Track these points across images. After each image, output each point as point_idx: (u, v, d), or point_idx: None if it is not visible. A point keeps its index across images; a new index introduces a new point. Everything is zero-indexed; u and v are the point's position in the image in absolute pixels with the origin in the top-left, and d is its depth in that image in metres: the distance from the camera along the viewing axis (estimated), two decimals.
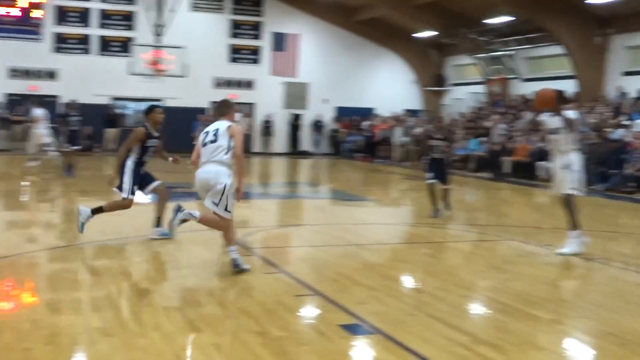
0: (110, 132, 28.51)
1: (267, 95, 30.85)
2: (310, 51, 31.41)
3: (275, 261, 7.86)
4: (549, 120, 8.22)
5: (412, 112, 31.77)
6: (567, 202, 8.34)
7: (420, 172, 22.81)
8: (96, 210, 8.60)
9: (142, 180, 8.76)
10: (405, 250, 8.95)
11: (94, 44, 28.63)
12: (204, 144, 6.96)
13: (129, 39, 28.24)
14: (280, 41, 30.78)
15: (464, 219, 12.61)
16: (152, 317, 5.36)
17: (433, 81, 32.77)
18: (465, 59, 29.76)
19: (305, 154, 30.94)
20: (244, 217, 11.64)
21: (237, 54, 30.63)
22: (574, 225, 8.29)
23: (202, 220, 6.94)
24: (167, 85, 28.11)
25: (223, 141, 6.87)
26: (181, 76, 26.17)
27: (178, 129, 29.33)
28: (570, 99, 8.85)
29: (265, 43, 30.78)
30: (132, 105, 30.25)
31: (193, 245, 8.54)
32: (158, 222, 8.82)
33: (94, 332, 4.99)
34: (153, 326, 5.14)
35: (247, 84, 30.78)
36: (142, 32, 28.01)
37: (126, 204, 8.64)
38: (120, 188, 8.62)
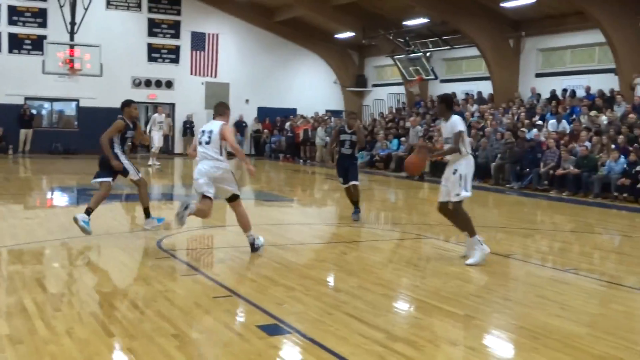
0: (24, 133, 27.70)
1: (188, 95, 30.54)
2: (230, 51, 31.27)
3: (194, 263, 7.79)
4: (443, 127, 8.24)
5: (333, 113, 32.00)
6: (455, 210, 8.12)
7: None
8: (88, 211, 9.05)
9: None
10: (325, 249, 9.00)
11: (4, 42, 27.68)
12: (200, 142, 8.14)
13: (41, 37, 27.41)
14: (199, 40, 30.53)
15: (384, 219, 12.78)
16: (64, 323, 5.22)
17: (354, 82, 33.11)
18: (385, 60, 30.19)
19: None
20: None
21: (156, 53, 30.19)
22: (470, 233, 8.05)
23: (197, 212, 7.99)
24: (83, 85, 27.50)
25: (216, 143, 8.05)
26: (97, 75, 25.55)
27: (95, 130, 28.70)
28: (454, 104, 8.73)
29: (184, 42, 30.45)
30: (47, 105, 29.45)
31: (111, 248, 8.37)
32: (147, 214, 9.64)
33: (1, 339, 4.82)
34: (65, 332, 5.00)
35: (167, 84, 30.39)
36: (55, 30, 27.23)
37: (142, 182, 9.55)
38: (124, 173, 9.41)
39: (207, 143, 8.07)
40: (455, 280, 7.18)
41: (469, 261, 7.96)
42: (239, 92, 31.47)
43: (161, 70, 30.28)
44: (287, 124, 30.24)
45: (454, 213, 8.16)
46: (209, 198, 8.11)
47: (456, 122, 8.10)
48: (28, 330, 5.05)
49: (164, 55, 30.34)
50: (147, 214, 9.63)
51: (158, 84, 30.26)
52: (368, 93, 33.01)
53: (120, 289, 6.44)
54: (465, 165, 8.09)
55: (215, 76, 30.90)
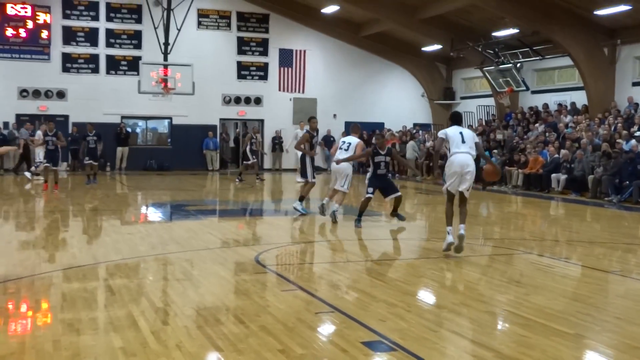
0: (121, 151, 28.64)
1: (276, 111, 30.97)
2: (317, 66, 31.55)
3: (292, 278, 7.85)
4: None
5: (421, 126, 31.78)
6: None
7: (433, 185, 22.96)
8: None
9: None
10: (423, 265, 8.91)
11: (102, 63, 28.81)
12: (340, 148, 12.96)
13: (136, 58, 28.39)
14: (287, 57, 30.96)
15: (478, 233, 12.57)
16: (173, 337, 5.35)
17: (442, 94, 32.82)
18: (474, 72, 29.81)
19: (317, 169, 30.95)
20: (257, 234, 11.64)
21: (245, 71, 30.76)
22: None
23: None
24: (175, 103, 28.23)
25: (351, 150, 12.80)
26: (189, 94, 26.29)
27: (187, 147, 29.57)
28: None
29: (272, 59, 30.91)
30: (141, 123, 30.39)
31: (211, 263, 8.54)
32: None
33: (116, 352, 4.98)
34: (175, 345, 5.13)
35: (256, 100, 30.89)
36: (149, 51, 28.20)
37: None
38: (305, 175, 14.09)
39: (346, 150, 12.90)
40: (559, 297, 6.99)
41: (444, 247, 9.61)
42: (327, 107, 31.68)
43: (250, 87, 30.82)
44: (374, 139, 30.19)
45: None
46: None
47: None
48: (140, 343, 5.19)
49: (253, 73, 30.88)
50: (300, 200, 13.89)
51: (247, 100, 30.81)
52: (456, 105, 32.61)
53: (223, 304, 6.55)
54: (447, 165, 9.84)
55: (303, 92, 31.25)
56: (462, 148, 9.71)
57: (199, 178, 26.00)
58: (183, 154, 29.50)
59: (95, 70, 28.73)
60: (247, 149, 23.89)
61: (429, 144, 27.40)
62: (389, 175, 13.01)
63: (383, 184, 12.49)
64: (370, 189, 12.36)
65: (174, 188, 21.43)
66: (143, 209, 16.15)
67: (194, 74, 25.83)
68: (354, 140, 13.07)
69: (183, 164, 29.23)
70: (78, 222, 13.06)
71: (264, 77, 30.98)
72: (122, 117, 29.10)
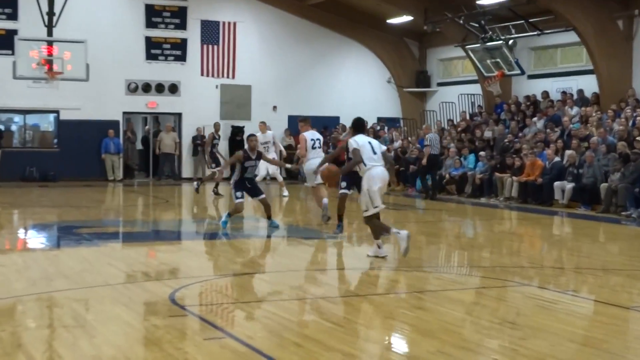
0: None
1: (198, 102, 30.86)
2: (251, 44, 31.60)
3: (219, 323, 7.80)
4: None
5: (388, 121, 32.03)
6: (368, 221, 11.72)
7: (403, 197, 23.11)
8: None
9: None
10: (390, 302, 8.94)
11: None
12: (314, 147, 15.37)
13: (10, 32, 27.90)
14: (211, 32, 30.92)
15: (461, 260, 12.68)
16: None
17: (413, 80, 33.12)
18: (454, 51, 30.16)
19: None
20: (172, 265, 11.57)
21: (156, 49, 30.62)
22: (375, 237, 11.69)
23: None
24: (64, 92, 27.90)
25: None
26: (82, 79, 25.96)
27: (80, 149, 29.23)
28: (364, 127, 12.64)
29: (191, 34, 30.84)
30: (18, 119, 29.97)
31: (107, 304, 8.44)
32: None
33: None
34: None
35: (171, 88, 30.75)
36: (28, 23, 27.73)
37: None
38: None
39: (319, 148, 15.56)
40: (566, 342, 7.08)
41: (369, 252, 11.83)
42: (264, 96, 31.71)
43: (163, 71, 30.67)
44: (328, 137, 30.32)
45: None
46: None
47: (352, 141, 11.67)
48: None
49: (167, 52, 30.75)
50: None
51: (159, 88, 30.64)
52: (432, 94, 32.97)
53: (127, 358, 6.47)
54: (366, 180, 11.45)
55: (233, 77, 31.24)
56: (377, 160, 11.53)
57: (96, 191, 25.73)
58: (74, 159, 29.15)
59: None
60: (210, 152, 23.60)
61: (397, 144, 27.63)
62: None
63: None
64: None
65: (62, 204, 21.11)
66: (20, 233, 15.90)
67: (88, 53, 25.52)
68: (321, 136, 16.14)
69: (74, 172, 28.89)
70: None
71: (182, 58, 30.85)
72: None
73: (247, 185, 15.19)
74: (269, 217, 15.32)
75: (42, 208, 20.24)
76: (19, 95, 28.21)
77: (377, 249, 11.65)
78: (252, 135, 16.09)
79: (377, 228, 11.59)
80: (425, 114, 32.57)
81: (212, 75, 31.00)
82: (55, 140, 30.00)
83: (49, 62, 24.93)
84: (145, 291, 9.31)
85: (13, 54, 26.30)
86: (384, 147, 12.33)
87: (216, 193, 23.24)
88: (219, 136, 24.55)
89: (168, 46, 30.80)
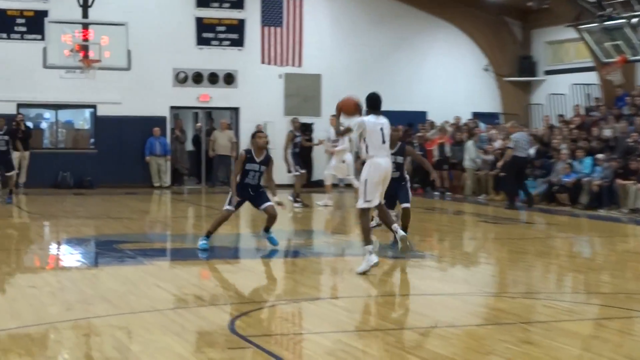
0: (18, 157, 28.47)
1: (258, 94, 31.00)
2: (321, 26, 31.72)
3: (286, 356, 7.86)
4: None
5: (484, 117, 31.76)
6: (359, 215, 12.46)
7: (504, 210, 22.93)
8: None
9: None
10: (491, 335, 8.86)
11: None
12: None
13: (40, 14, 28.41)
14: (273, 11, 31.04)
15: (577, 284, 12.54)
16: None
17: (515, 68, 32.84)
18: (565, 32, 29.85)
19: (320, 185, 30.97)
20: (230, 288, 11.62)
21: (209, 33, 30.89)
22: (365, 241, 12.12)
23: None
24: (102, 84, 28.24)
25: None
26: (123, 68, 26.33)
27: (121, 150, 29.56)
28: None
29: (250, 15, 31.05)
30: (49, 115, 30.43)
31: (155, 332, 8.51)
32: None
33: None
34: None
35: (227, 79, 30.98)
36: (60, 3, 28.21)
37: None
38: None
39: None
40: None
41: (358, 269, 12.03)
42: (335, 87, 31.58)
43: (217, 59, 30.98)
44: (414, 136, 30.25)
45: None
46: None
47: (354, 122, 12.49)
48: None
49: (221, 36, 31.03)
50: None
51: (213, 79, 30.93)
52: (538, 84, 32.67)
53: None
54: (367, 168, 12.06)
55: (300, 65, 31.31)
56: (383, 151, 12.06)
57: (140, 199, 26.06)
58: (114, 163, 29.53)
59: None
60: (290, 153, 23.53)
61: (497, 144, 27.39)
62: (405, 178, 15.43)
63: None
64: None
65: (100, 215, 21.38)
66: (53, 249, 16.16)
67: (130, 38, 25.88)
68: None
69: (114, 178, 29.25)
70: None
71: (239, 43, 31.09)
72: (19, 106, 29.15)
73: (250, 192, 14.76)
74: (266, 230, 15.02)
75: (77, 219, 20.51)
76: (50, 87, 28.73)
77: (369, 261, 11.93)
78: (259, 132, 15.98)
79: (365, 230, 12.19)
80: (530, 108, 32.29)
81: (275, 63, 31.11)
82: (92, 140, 30.45)
83: (84, 49, 25.29)
84: (199, 318, 9.35)
85: (43, 39, 26.78)
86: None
87: (297, 201, 23.04)
88: (298, 135, 24.37)
89: (223, 29, 31.07)
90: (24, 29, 29.05)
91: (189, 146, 32.83)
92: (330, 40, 31.84)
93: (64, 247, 16.21)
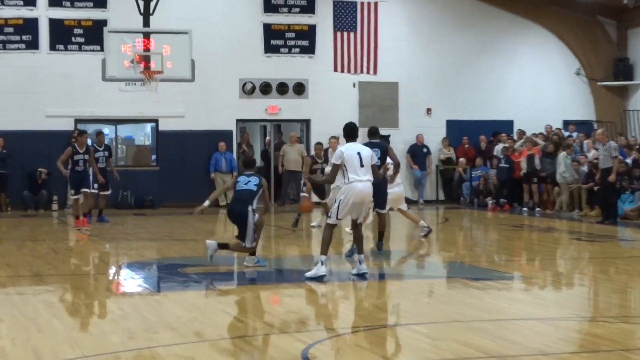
0: None
1: (330, 105, 31.00)
2: (398, 30, 31.71)
3: None
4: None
5: (578, 125, 31.41)
6: (324, 228, 14.47)
7: (599, 226, 22.69)
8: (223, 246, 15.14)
9: None
10: None
11: (43, 33, 29.37)
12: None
13: (99, 23, 28.74)
14: (347, 15, 31.12)
15: None
16: None
17: (610, 71, 32.49)
18: None
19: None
20: (302, 314, 11.64)
21: (278, 39, 31.04)
22: (322, 250, 13.88)
23: None
24: (164, 97, 28.46)
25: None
26: (187, 80, 26.51)
27: (185, 166, 29.77)
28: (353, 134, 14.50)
29: (322, 19, 31.18)
30: (108, 130, 30.75)
31: None
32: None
33: None
34: None
35: (297, 89, 31.06)
36: (119, 12, 28.58)
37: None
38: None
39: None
40: None
41: (307, 274, 13.83)
42: (414, 96, 31.69)
43: (286, 67, 31.12)
44: (499, 148, 30.08)
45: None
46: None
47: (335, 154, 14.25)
48: None
49: (291, 43, 31.14)
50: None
51: (282, 89, 31.04)
52: (636, 89, 32.28)
53: None
54: (344, 191, 13.85)
55: (375, 73, 31.36)
56: (361, 175, 13.61)
57: (204, 219, 26.18)
58: (177, 180, 29.71)
59: (32, 44, 29.28)
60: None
61: (591, 155, 27.11)
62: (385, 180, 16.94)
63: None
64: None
65: (163, 237, 21.58)
66: (114, 274, 16.34)
67: (194, 47, 26.07)
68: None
69: (178, 196, 29.41)
70: (8, 296, 13.26)
71: (309, 50, 31.20)
72: (77, 121, 29.53)
73: None
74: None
75: (139, 242, 20.68)
76: (109, 101, 29.10)
77: (317, 270, 13.63)
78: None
79: (325, 242, 13.92)
80: (628, 115, 31.92)
81: (349, 71, 31.22)
82: (154, 157, 30.72)
83: (146, 59, 25.49)
84: (270, 346, 9.44)
85: (102, 50, 27.06)
86: (376, 160, 14.57)
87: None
88: (320, 161, 24.24)
89: (292, 35, 31.19)
90: (81, 39, 29.48)
91: (257, 161, 32.94)
92: (408, 45, 31.80)
93: (125, 272, 16.35)
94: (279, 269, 16.86)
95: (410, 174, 31.20)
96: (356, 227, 14.22)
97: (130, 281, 15.29)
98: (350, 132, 14.24)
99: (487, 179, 29.93)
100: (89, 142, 23.78)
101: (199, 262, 16.61)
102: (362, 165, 13.51)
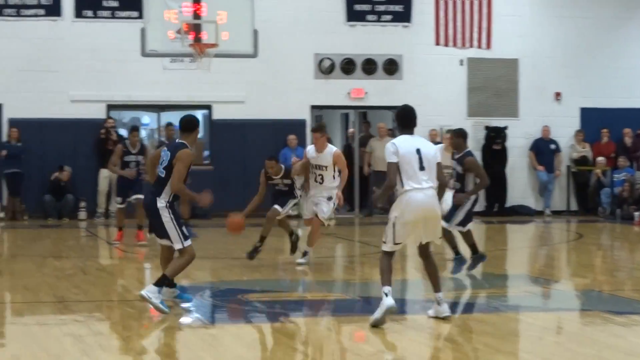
0: (108, 177, 29.09)
1: (430, 88, 31.10)
2: None
3: None
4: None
5: None
6: (380, 257, 13.28)
7: None
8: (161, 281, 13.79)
9: None
10: None
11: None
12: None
13: None
14: None
15: None
16: None
17: None
18: None
19: (514, 213, 30.91)
20: (396, 354, 11.72)
21: (364, 5, 31.12)
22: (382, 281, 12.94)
23: None
24: (219, 76, 28.72)
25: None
26: (247, 55, 26.70)
27: (246, 166, 29.93)
28: None
29: None
30: (149, 119, 31.02)
31: None
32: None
33: None
34: None
35: (387, 67, 31.14)
36: None
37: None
38: None
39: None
40: None
41: (373, 316, 12.67)
42: (539, 78, 31.65)
43: (375, 40, 31.25)
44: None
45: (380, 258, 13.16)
46: None
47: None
48: None
49: (380, 8, 31.25)
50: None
51: (369, 67, 31.14)
52: None
53: None
54: (397, 205, 12.63)
55: (488, 47, 31.31)
56: (421, 181, 12.46)
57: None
58: (236, 182, 29.78)
59: (53, 10, 29.74)
60: None
61: None
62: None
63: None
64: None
65: (217, 254, 21.79)
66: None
67: (256, 14, 26.28)
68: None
69: (236, 202, 29.22)
70: (26, 327, 13.51)
71: (404, 17, 31.28)
72: (109, 107, 29.91)
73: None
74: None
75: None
76: (150, 82, 29.42)
77: (382, 305, 12.50)
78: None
79: (385, 273, 12.84)
80: None
81: (455, 45, 31.25)
82: (207, 153, 30.94)
83: (196, 29, 25.70)
84: None
85: (141, 17, 27.38)
86: (439, 157, 12.92)
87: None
88: None
89: (382, 1, 31.24)
90: (115, 3, 29.71)
91: None
92: (532, 12, 31.84)
93: (172, 299, 16.51)
94: (365, 296, 16.89)
95: (534, 177, 31.18)
96: (427, 255, 13.09)
97: (178, 311, 15.43)
98: (405, 120, 12.99)
99: (634, 184, 29.75)
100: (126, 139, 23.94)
101: (263, 287, 16.78)
102: (422, 168, 12.26)
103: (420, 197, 12.25)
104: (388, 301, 12.29)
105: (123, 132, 29.86)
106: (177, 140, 14.20)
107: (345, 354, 11.65)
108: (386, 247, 12.85)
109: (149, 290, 13.60)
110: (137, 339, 12.73)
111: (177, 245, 13.96)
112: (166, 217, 13.75)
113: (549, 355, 11.88)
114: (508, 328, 13.75)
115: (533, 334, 13.43)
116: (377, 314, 12.31)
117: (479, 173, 17.38)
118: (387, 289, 12.44)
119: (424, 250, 12.93)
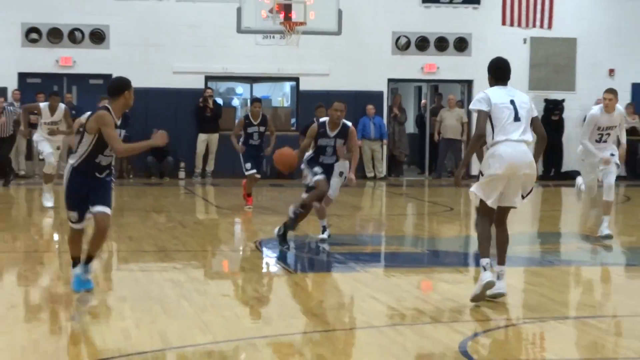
0: (204, 140, 29.25)
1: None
2: None
3: None
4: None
5: None
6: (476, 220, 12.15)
7: None
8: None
9: None
10: None
11: None
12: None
13: None
14: None
15: None
16: None
17: None
18: None
19: (569, 177, 30.64)
20: (460, 302, 11.65)
21: None
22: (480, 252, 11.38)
23: None
24: (306, 52, 28.65)
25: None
26: (332, 33, 26.63)
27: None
28: None
29: None
30: (242, 90, 31.06)
31: (372, 354, 8.64)
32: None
33: None
34: None
35: (458, 44, 30.98)
36: None
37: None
38: None
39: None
40: None
41: (473, 291, 11.08)
42: (595, 55, 31.29)
43: (447, 20, 31.15)
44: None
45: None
46: None
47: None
48: None
49: None
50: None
51: (441, 44, 31.03)
52: None
53: None
54: (485, 160, 11.03)
55: (550, 27, 30.99)
56: (513, 133, 10.81)
57: (349, 192, 26.26)
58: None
59: None
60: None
61: None
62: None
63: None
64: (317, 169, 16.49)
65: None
66: (247, 252, 16.72)
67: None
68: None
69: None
70: (131, 272, 13.63)
71: (473, 0, 31.01)
72: (207, 78, 30.02)
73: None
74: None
75: (275, 216, 20.74)
76: (244, 56, 29.50)
77: (480, 280, 11.04)
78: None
79: (484, 241, 11.22)
80: None
81: (519, 25, 30.93)
82: (293, 120, 31.00)
83: (286, 9, 25.64)
84: (423, 337, 9.46)
85: None
86: (535, 110, 11.30)
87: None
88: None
89: None
90: None
91: (410, 128, 32.94)
92: None
93: (261, 250, 16.54)
94: (434, 250, 16.87)
95: None
96: (501, 222, 11.30)
97: (266, 260, 15.47)
98: (499, 72, 11.37)
99: None
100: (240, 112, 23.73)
101: (343, 241, 16.78)
102: (517, 119, 10.68)
103: (509, 150, 10.64)
104: (485, 275, 10.88)
105: (219, 100, 30.05)
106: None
107: (414, 300, 11.59)
108: (480, 209, 11.30)
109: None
110: (230, 286, 12.82)
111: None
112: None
113: (598, 305, 11.80)
114: (561, 280, 13.66)
115: (584, 286, 13.36)
116: (476, 289, 10.94)
117: None
118: (484, 261, 10.97)
119: (500, 216, 11.20)
